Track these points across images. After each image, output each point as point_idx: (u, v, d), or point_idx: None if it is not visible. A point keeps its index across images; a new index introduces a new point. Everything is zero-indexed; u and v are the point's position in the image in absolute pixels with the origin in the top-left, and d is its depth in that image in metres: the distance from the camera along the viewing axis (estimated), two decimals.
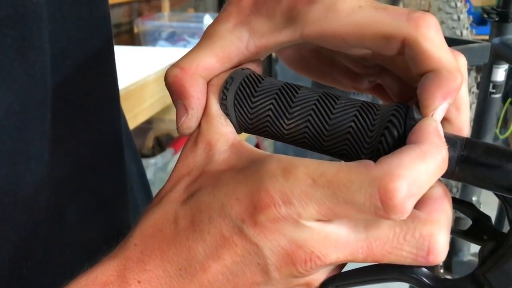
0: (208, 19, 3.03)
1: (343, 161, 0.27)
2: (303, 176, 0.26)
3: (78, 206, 0.43)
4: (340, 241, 0.27)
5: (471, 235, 0.31)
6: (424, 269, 0.29)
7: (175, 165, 0.32)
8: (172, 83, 0.32)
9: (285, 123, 0.32)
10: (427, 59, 0.28)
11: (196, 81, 0.32)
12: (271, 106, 0.32)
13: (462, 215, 0.32)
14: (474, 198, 1.50)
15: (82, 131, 0.43)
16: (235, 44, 0.32)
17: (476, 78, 1.76)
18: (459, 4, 1.67)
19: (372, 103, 0.31)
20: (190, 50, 0.33)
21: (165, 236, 0.28)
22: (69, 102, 0.41)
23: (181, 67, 0.32)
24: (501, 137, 2.51)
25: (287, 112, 0.32)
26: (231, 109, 0.32)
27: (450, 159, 0.28)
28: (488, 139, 1.44)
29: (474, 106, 1.66)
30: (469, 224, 0.31)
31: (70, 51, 0.40)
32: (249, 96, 0.32)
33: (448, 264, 1.35)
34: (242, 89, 0.32)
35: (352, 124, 0.30)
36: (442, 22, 1.77)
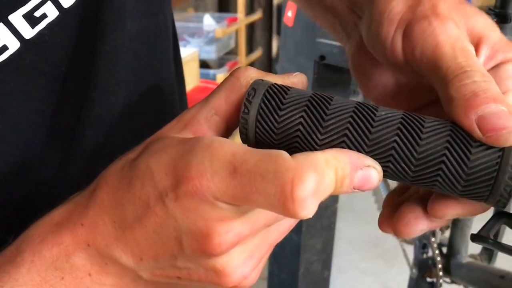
0: (208, 19, 3.02)
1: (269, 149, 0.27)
2: (227, 164, 0.27)
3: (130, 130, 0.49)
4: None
5: None
6: None
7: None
8: None
9: (318, 138, 0.29)
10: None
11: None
12: (302, 119, 0.29)
13: None
14: None
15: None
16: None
17: None
18: None
19: (415, 114, 0.29)
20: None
21: (109, 189, 0.30)
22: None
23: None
24: None
25: (320, 126, 0.29)
26: (252, 125, 0.30)
27: None
28: None
29: None
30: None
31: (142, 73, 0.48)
32: (275, 110, 0.30)
33: (446, 266, 1.36)
34: (267, 101, 0.30)
35: (397, 138, 0.28)
36: None
